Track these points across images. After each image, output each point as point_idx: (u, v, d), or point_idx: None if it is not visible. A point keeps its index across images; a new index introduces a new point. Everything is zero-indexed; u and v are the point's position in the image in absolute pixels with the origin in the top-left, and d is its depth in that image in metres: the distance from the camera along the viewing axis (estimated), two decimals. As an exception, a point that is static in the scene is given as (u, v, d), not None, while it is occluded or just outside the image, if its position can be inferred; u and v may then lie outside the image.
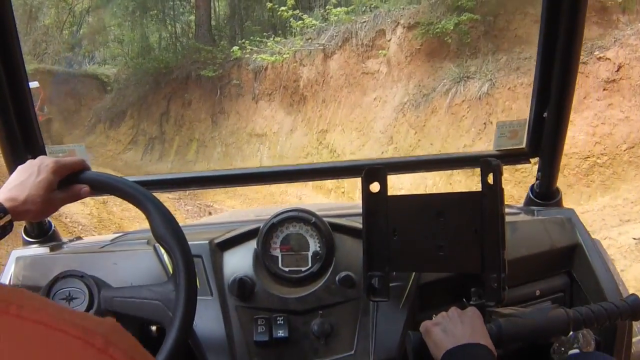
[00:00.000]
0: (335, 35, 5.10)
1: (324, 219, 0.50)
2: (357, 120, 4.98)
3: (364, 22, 4.58)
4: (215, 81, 7.06)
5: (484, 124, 3.16)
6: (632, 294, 0.45)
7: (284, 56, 5.74)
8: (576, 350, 0.46)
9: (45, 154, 0.53)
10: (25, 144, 0.50)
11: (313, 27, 5.34)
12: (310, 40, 5.41)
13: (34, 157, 0.41)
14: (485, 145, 3.11)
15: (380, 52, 4.33)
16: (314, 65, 5.95)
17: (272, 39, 5.64)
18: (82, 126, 8.92)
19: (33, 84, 7.45)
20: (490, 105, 3.15)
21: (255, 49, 5.67)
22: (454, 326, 0.39)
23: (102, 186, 0.37)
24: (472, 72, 3.30)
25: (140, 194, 0.35)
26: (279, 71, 6.62)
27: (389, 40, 4.46)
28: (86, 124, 8.87)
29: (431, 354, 0.37)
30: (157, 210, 0.35)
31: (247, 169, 0.72)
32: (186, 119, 8.12)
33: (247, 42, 5.52)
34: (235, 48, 5.67)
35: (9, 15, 0.44)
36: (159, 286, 0.38)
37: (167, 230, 0.34)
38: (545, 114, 0.55)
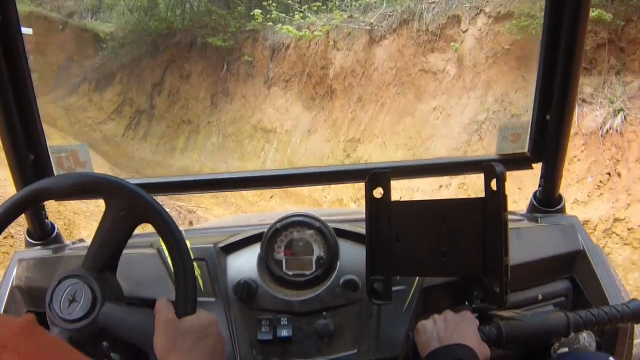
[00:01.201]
0: (390, 15, 5.13)
1: (328, 224, 0.69)
2: (407, 133, 4.88)
3: (433, 1, 4.54)
4: (223, 53, 7.62)
5: (608, 174, 2.81)
6: (634, 299, 0.62)
7: (315, 33, 6.02)
8: (565, 349, 0.64)
9: (48, 154, 0.73)
10: (27, 144, 0.69)
11: (360, 2, 5.44)
12: (353, 18, 5.53)
13: (36, 157, 0.61)
14: (609, 211, 2.70)
15: (450, 45, 4.22)
16: (351, 51, 6.08)
17: (304, 8, 5.88)
18: (66, 85, 10.13)
19: (26, 30, 10.30)
20: (619, 148, 2.80)
21: (282, 15, 5.90)
22: (441, 328, 0.56)
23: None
24: (589, 94, 3.00)
25: (172, 232, 0.51)
26: (303, 52, 6.85)
27: (465, 32, 4.34)
28: (71, 82, 10.13)
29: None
30: (180, 255, 0.51)
31: (249, 173, 0.89)
32: (181, 95, 8.81)
33: (272, 3, 5.78)
34: (257, 11, 5.99)
35: (13, 14, 0.61)
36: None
37: (166, 233, 0.50)
38: (547, 117, 0.75)
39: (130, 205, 0.55)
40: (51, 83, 10.51)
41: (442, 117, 4.26)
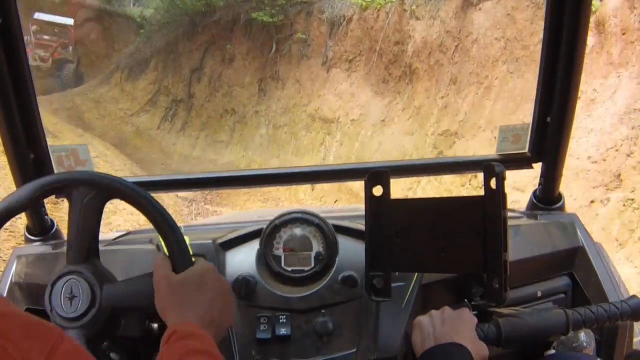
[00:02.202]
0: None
1: (327, 220, 0.90)
2: (527, 125, 5.29)
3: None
4: (271, 31, 8.44)
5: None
6: (633, 296, 0.80)
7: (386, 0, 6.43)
8: (553, 351, 0.84)
9: (48, 153, 0.97)
10: (28, 143, 0.92)
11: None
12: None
13: (36, 156, 0.84)
14: None
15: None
16: (437, 19, 6.15)
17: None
18: (98, 75, 12.22)
19: (67, 20, 11.08)
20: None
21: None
22: (439, 326, 0.71)
23: (101, 187, 0.72)
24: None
25: (138, 194, 0.68)
26: (370, 25, 7.09)
27: (605, -16, 4.31)
28: (104, 72, 12.12)
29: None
30: (156, 211, 0.67)
31: (247, 171, 1.16)
32: (224, 81, 9.72)
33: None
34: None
35: (13, 15, 0.82)
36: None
37: (164, 230, 0.66)
38: (548, 119, 0.99)
39: (89, 188, 0.74)
40: (87, 73, 12.45)
41: (583, 104, 4.07)
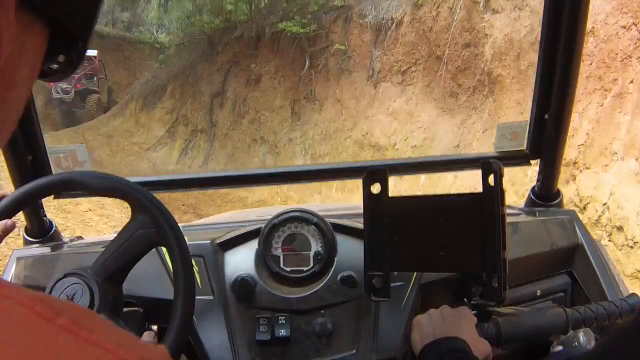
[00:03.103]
0: None
1: (326, 219, 1.15)
2: None
3: None
4: (304, 44, 9.12)
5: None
6: (632, 294, 1.02)
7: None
8: (560, 347, 1.08)
9: (46, 154, 1.24)
10: (26, 144, 1.17)
11: None
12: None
13: (35, 158, 1.14)
14: None
15: None
16: (525, 9, 6.03)
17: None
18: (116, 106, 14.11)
19: (91, 52, 13.26)
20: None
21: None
22: (438, 323, 0.90)
23: (100, 186, 0.94)
24: None
25: (139, 193, 0.89)
26: (428, 26, 7.34)
27: None
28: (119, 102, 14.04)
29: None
30: (157, 211, 0.88)
31: (247, 170, 1.46)
32: (250, 106, 10.55)
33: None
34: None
35: None
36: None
37: (165, 230, 0.87)
38: (546, 116, 1.28)
39: (155, 225, 0.96)
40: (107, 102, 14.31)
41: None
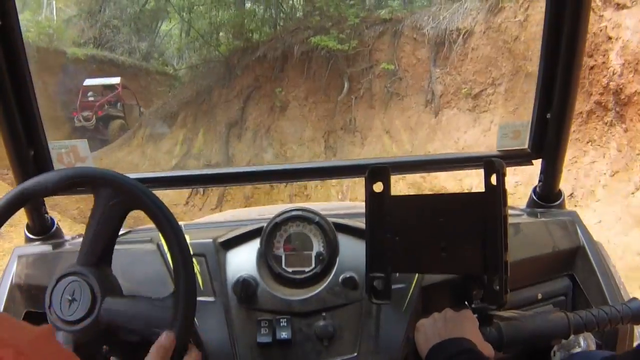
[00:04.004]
0: None
1: (328, 218, 1.52)
2: None
3: None
4: (341, 63, 9.21)
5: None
6: (634, 298, 1.34)
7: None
8: (579, 349, 1.42)
9: (48, 150, 1.65)
10: (28, 139, 1.56)
11: None
12: None
13: (36, 152, 1.58)
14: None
15: None
16: None
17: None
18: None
19: (114, 79, 17.03)
20: None
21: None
22: (442, 325, 1.23)
23: (101, 184, 1.21)
24: None
25: (140, 191, 1.17)
26: (511, 34, 7.29)
27: None
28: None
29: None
30: (157, 209, 1.16)
31: (249, 167, 1.79)
32: (275, 137, 10.87)
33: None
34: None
35: (12, 14, 1.40)
36: (160, 301, 1.19)
37: (165, 230, 1.16)
38: (548, 115, 1.68)
39: (118, 192, 1.22)
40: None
41: None
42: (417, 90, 8.66)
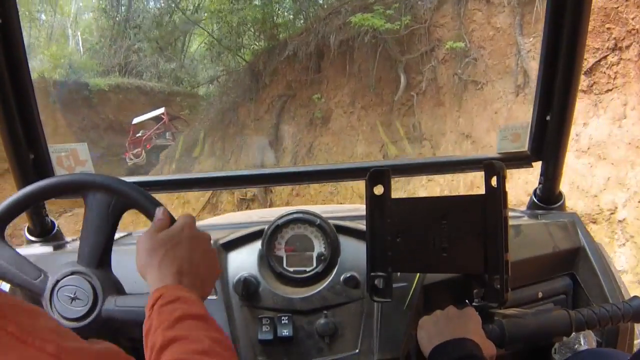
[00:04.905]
0: None
1: (329, 220, 1.86)
2: None
3: None
4: (392, 50, 9.04)
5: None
6: (635, 296, 1.65)
7: None
8: (586, 347, 1.73)
9: (48, 153, 2.04)
10: (28, 143, 1.98)
11: None
12: None
13: (36, 156, 2.00)
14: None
15: None
16: None
17: None
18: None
19: (159, 110, 20.59)
20: None
21: None
22: (445, 324, 1.53)
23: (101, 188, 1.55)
24: None
25: (141, 194, 1.61)
26: None
27: None
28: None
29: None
30: (139, 195, 1.63)
31: (250, 171, 1.94)
32: (319, 157, 10.93)
33: None
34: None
35: (13, 15, 1.78)
36: None
37: (126, 193, 1.64)
38: (548, 118, 2.02)
39: (110, 195, 1.56)
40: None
41: None
42: (501, 72, 7.78)
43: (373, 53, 9.13)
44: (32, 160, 2.05)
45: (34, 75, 1.92)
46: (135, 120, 22.19)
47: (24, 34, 1.96)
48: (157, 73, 23.62)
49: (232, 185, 2.59)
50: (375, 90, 9.42)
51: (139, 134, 22.33)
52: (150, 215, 1.60)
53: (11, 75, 1.89)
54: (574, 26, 1.89)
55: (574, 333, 1.73)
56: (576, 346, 1.83)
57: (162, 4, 21.47)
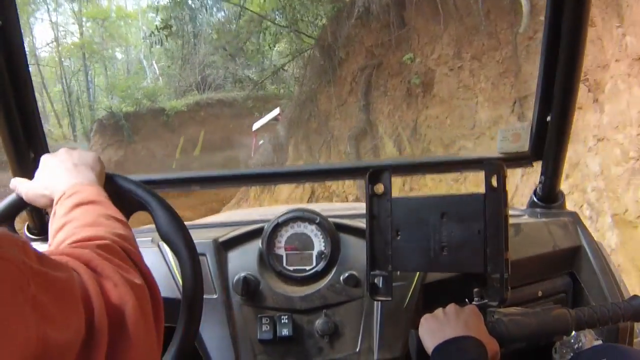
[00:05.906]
0: None
1: (329, 219, 1.92)
2: None
3: None
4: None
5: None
6: (635, 295, 1.64)
7: None
8: (596, 342, 1.75)
9: (48, 151, 1.89)
10: (28, 142, 1.99)
11: None
12: None
13: (36, 155, 1.95)
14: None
15: None
16: None
17: None
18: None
19: (275, 112, 21.17)
20: None
21: None
22: (448, 321, 1.56)
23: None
24: None
25: (145, 191, 1.57)
26: None
27: None
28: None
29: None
30: (162, 209, 1.53)
31: (251, 170, 1.90)
32: (430, 141, 8.86)
33: None
34: None
35: (13, 16, 1.78)
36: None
37: (172, 228, 1.53)
38: (548, 118, 2.05)
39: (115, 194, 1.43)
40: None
41: None
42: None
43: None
44: (32, 159, 2.13)
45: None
46: (255, 127, 22.80)
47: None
48: (236, 81, 24.81)
49: (235, 183, 2.72)
50: (487, 28, 7.21)
51: (262, 141, 21.99)
52: (149, 211, 1.68)
53: (10, 74, 1.96)
54: (573, 28, 1.94)
55: (574, 332, 1.78)
56: (576, 345, 1.89)
57: (225, 11, 21.78)
